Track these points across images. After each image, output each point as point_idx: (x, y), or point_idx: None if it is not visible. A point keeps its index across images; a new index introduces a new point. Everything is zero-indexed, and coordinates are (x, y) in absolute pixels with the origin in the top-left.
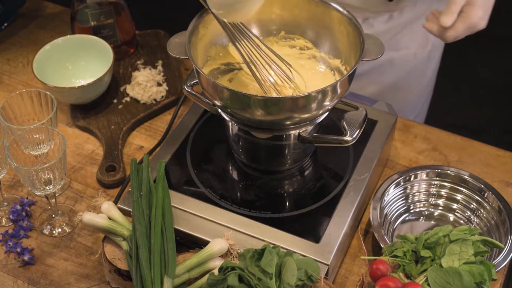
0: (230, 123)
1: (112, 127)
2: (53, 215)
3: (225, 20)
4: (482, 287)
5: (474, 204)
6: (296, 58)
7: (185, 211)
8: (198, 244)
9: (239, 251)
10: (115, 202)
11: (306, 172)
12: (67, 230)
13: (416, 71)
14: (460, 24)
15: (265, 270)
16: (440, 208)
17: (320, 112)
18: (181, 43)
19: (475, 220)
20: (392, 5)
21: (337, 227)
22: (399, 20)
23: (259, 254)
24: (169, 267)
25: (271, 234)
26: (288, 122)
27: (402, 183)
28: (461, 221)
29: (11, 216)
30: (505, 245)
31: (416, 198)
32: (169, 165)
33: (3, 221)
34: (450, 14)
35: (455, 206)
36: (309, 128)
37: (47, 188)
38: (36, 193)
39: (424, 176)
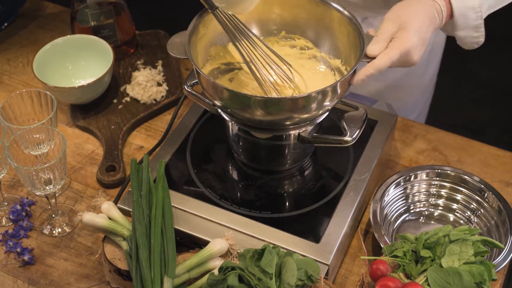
0: (230, 123)
1: (112, 127)
2: (53, 215)
3: (229, 12)
4: (482, 287)
5: (474, 204)
6: (297, 58)
7: (185, 211)
8: (198, 244)
9: (239, 251)
10: (115, 202)
11: (306, 172)
12: (67, 230)
13: (417, 71)
14: (393, 50)
15: (265, 270)
16: (440, 208)
17: (320, 112)
18: (181, 43)
19: (475, 220)
20: (392, 3)
21: (337, 227)
22: None
23: (259, 254)
24: (169, 267)
25: (271, 234)
26: (288, 122)
27: (402, 183)
28: (461, 221)
29: (11, 216)
30: (505, 245)
31: (416, 198)
32: (169, 165)
33: (3, 221)
34: (377, 42)
35: (455, 206)
36: (309, 128)
37: (47, 188)
38: (36, 193)
39: (424, 176)
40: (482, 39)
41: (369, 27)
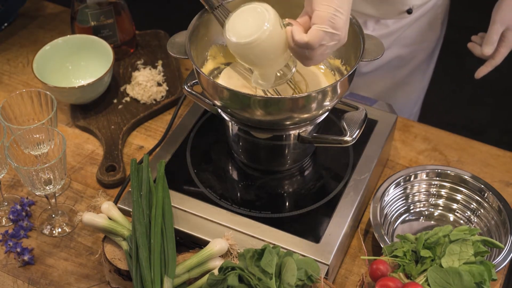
0: (230, 123)
1: (112, 127)
2: (53, 215)
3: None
4: (482, 287)
5: (474, 204)
6: None
7: (185, 211)
8: (198, 244)
9: (239, 251)
10: (115, 202)
11: (306, 172)
12: (67, 230)
13: (421, 68)
14: (503, 49)
15: (265, 270)
16: (440, 208)
17: (320, 112)
18: (181, 43)
19: (475, 220)
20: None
21: (337, 227)
22: (410, 18)
23: (259, 254)
24: (169, 267)
25: (271, 234)
26: (288, 122)
27: (402, 183)
28: (461, 221)
29: (11, 216)
30: (505, 245)
31: (416, 198)
32: (169, 165)
33: (3, 221)
34: (490, 44)
35: (455, 206)
36: (309, 128)
37: (47, 188)
38: (36, 193)
39: (424, 176)
40: None
41: (385, 28)
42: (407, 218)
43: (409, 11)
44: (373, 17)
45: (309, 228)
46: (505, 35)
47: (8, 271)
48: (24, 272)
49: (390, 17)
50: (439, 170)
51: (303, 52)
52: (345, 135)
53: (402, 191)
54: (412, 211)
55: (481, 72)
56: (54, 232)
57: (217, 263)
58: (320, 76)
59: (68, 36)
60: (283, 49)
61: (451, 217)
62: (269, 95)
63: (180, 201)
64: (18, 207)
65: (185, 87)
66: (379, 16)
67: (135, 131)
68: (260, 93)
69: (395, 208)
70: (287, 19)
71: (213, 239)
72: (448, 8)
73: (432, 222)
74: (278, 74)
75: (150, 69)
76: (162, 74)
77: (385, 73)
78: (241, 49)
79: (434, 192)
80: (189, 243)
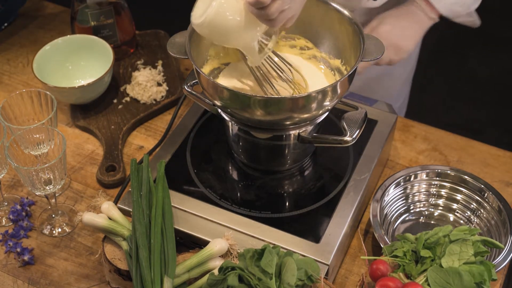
0: (230, 123)
1: (112, 127)
2: (53, 215)
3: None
4: (482, 287)
5: (474, 204)
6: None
7: (185, 211)
8: (198, 244)
9: (239, 251)
10: (115, 202)
11: (306, 172)
12: (67, 230)
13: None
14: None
15: (265, 270)
16: (440, 208)
17: (320, 112)
18: (181, 43)
19: (475, 220)
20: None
21: (337, 227)
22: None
23: (259, 254)
24: (169, 267)
25: (271, 234)
26: (288, 122)
27: (402, 183)
28: (461, 221)
29: (11, 216)
30: (505, 245)
31: (416, 198)
32: (169, 165)
33: (3, 221)
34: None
35: (455, 206)
36: (309, 128)
37: (47, 188)
38: (36, 193)
39: (424, 176)
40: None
41: (361, 16)
42: (407, 218)
43: None
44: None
45: (309, 228)
46: (375, 29)
47: (8, 271)
48: (24, 272)
49: (358, 5)
50: (439, 170)
51: (260, 13)
52: (345, 135)
53: (402, 191)
54: (412, 211)
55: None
56: (54, 232)
57: (217, 263)
58: (320, 76)
59: (68, 36)
60: (245, 18)
61: (451, 217)
62: (269, 95)
63: (180, 201)
64: (18, 207)
65: (185, 87)
66: (346, 4)
67: (135, 131)
68: (260, 93)
69: (395, 208)
70: None
71: (213, 239)
72: None
73: (432, 222)
74: (260, 46)
75: (150, 69)
76: (162, 74)
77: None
78: (201, 29)
79: (434, 192)
80: (189, 243)
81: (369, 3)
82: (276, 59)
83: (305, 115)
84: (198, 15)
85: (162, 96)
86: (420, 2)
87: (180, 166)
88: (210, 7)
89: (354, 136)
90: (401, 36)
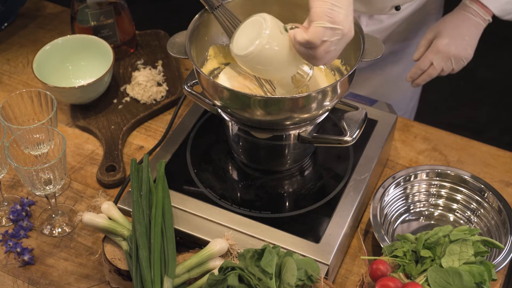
0: (230, 123)
1: (112, 127)
2: (53, 215)
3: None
4: (482, 287)
5: (474, 204)
6: None
7: (185, 211)
8: (198, 244)
9: (239, 251)
10: (115, 202)
11: (306, 172)
12: (67, 230)
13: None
14: (429, 53)
15: (265, 270)
16: (440, 208)
17: (320, 112)
18: (181, 43)
19: (475, 220)
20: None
21: (337, 227)
22: (403, 13)
23: (259, 254)
24: (169, 267)
25: (271, 234)
26: (288, 122)
27: (402, 183)
28: (461, 221)
29: (11, 216)
30: (505, 245)
31: (416, 198)
32: (169, 165)
33: (3, 221)
34: (418, 48)
35: (455, 206)
36: (309, 128)
37: (47, 188)
38: (36, 193)
39: (424, 176)
40: None
41: (379, 23)
42: (407, 218)
43: (397, 8)
44: (365, 13)
45: (309, 228)
46: (433, 42)
47: (8, 271)
48: (24, 272)
49: (379, 13)
50: (439, 170)
51: (307, 52)
52: (345, 135)
53: (402, 191)
54: (412, 211)
55: (411, 74)
56: (54, 232)
57: (217, 263)
58: (320, 76)
59: (68, 36)
60: (288, 53)
61: (451, 217)
62: (269, 95)
63: (180, 201)
64: (18, 207)
65: (185, 87)
66: (369, 12)
67: (135, 131)
68: (260, 93)
69: (395, 208)
70: (291, 23)
71: (213, 239)
72: (442, 4)
73: (432, 222)
74: (296, 78)
75: (150, 69)
76: (162, 74)
77: (379, 69)
78: (244, 60)
79: (434, 192)
80: (189, 243)
81: (391, 12)
82: None
83: (305, 115)
84: (242, 47)
85: (162, 96)
86: (474, 6)
87: (180, 166)
88: (260, 38)
89: (354, 136)
90: (461, 46)
